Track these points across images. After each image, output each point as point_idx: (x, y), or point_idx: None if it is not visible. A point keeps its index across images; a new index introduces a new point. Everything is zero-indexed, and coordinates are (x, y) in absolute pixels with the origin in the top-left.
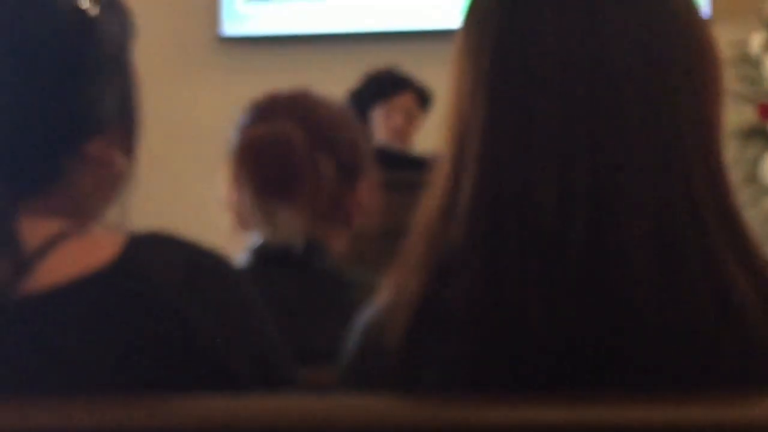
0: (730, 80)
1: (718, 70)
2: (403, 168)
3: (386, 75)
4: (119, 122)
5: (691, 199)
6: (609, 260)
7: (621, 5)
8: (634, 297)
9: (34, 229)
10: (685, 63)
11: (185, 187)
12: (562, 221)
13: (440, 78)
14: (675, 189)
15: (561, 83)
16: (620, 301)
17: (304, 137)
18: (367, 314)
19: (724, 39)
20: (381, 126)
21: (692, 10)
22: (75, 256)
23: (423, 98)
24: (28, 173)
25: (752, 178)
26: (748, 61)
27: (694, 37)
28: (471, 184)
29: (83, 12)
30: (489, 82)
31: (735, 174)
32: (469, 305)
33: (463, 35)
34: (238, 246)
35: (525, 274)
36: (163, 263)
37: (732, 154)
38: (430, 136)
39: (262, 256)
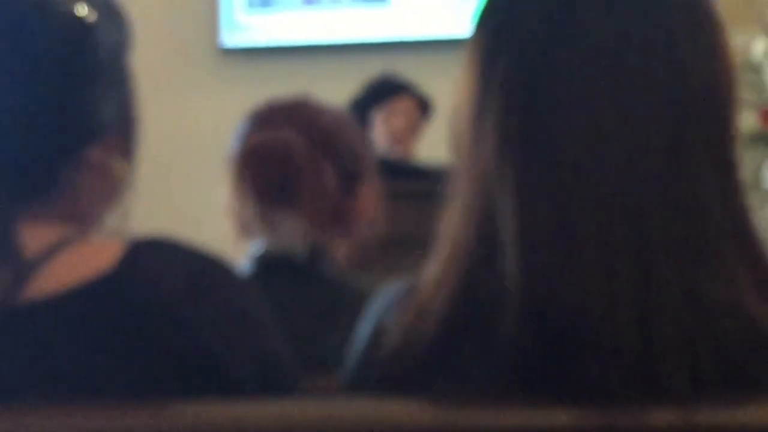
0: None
1: (736, 77)
2: (405, 177)
3: (386, 80)
4: (118, 129)
5: (707, 216)
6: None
7: (646, 15)
8: (661, 325)
9: (34, 236)
10: (710, 73)
11: (186, 196)
12: (600, 237)
13: (441, 87)
14: (687, 193)
15: (589, 96)
16: (648, 326)
17: (305, 144)
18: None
19: None
20: (381, 130)
21: (715, 17)
22: (75, 262)
23: (423, 105)
24: (27, 180)
25: (755, 184)
26: (751, 68)
27: (718, 45)
28: (511, 210)
29: (81, 19)
30: (521, 91)
31: None
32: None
33: (489, 42)
34: (240, 254)
35: (566, 280)
36: (164, 269)
37: None
38: (432, 145)
39: (264, 263)
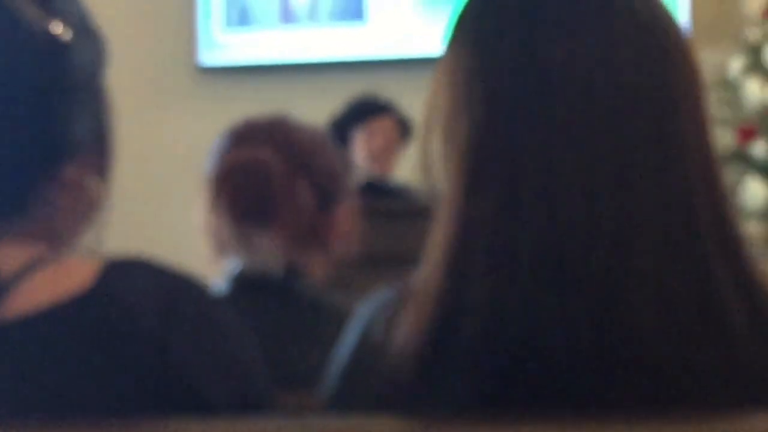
0: (710, 104)
1: (705, 93)
2: (382, 197)
3: (367, 99)
4: (94, 147)
5: (692, 227)
6: (615, 287)
7: (624, 37)
8: (637, 326)
9: (8, 255)
10: (685, 88)
11: (163, 215)
12: (558, 249)
13: (417, 105)
14: (678, 216)
15: (570, 108)
16: (624, 328)
17: (282, 162)
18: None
19: (704, 62)
20: (360, 149)
21: (682, 34)
22: (50, 282)
23: (403, 126)
24: (1, 199)
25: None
26: (728, 85)
27: (690, 61)
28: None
29: (56, 37)
30: (503, 106)
31: None
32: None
33: (469, 56)
34: (216, 273)
35: (540, 301)
36: (139, 289)
37: None
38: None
39: (241, 282)
